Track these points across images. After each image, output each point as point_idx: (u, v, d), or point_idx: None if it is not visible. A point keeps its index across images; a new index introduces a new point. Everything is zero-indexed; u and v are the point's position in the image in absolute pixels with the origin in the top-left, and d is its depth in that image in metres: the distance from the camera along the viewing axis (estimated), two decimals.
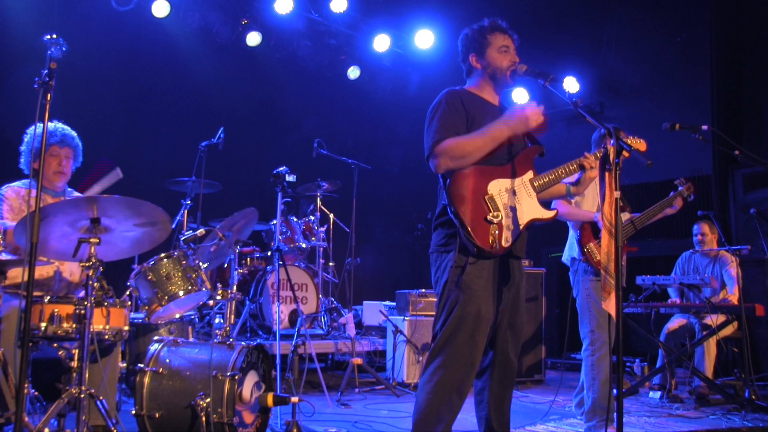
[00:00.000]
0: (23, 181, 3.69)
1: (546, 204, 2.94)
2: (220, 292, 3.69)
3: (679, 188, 4.38)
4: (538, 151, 2.91)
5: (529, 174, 2.87)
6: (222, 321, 3.81)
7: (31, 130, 3.64)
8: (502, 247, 2.69)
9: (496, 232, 2.68)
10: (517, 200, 2.80)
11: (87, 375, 2.82)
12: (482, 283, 2.73)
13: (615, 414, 2.56)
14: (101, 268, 2.92)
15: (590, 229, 4.01)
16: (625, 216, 4.15)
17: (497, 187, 2.76)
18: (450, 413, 2.69)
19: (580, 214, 4.03)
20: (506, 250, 2.72)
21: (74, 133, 3.67)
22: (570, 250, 4.16)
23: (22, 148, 3.66)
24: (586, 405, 3.97)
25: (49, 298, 2.90)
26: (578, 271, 4.05)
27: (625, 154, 2.58)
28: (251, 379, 3.37)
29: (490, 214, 2.69)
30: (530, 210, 2.82)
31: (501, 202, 2.74)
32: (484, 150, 2.73)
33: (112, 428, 2.88)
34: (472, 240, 2.64)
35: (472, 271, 2.70)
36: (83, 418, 2.78)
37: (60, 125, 3.62)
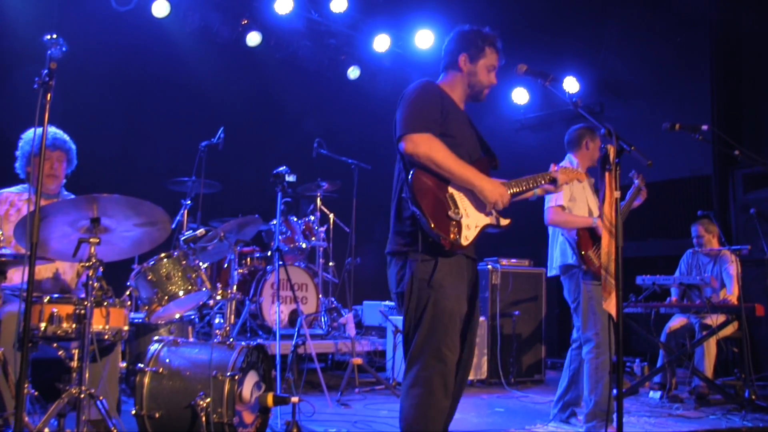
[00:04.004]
0: (17, 186, 3.71)
1: (502, 212, 2.95)
2: (220, 292, 3.69)
3: (635, 182, 4.27)
4: (492, 164, 2.95)
5: None
6: (222, 321, 3.81)
7: (25, 135, 3.68)
8: (461, 245, 2.70)
9: (456, 229, 2.69)
10: (474, 204, 2.81)
11: (87, 375, 2.82)
12: (452, 280, 2.73)
13: (614, 413, 2.57)
14: (101, 268, 2.92)
15: (587, 236, 3.98)
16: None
17: (457, 188, 2.77)
18: (440, 414, 2.70)
19: (577, 221, 4.02)
20: (464, 249, 2.73)
21: (66, 137, 3.68)
22: (563, 257, 4.13)
23: (17, 152, 3.68)
24: (587, 407, 3.98)
25: (48, 298, 2.90)
26: (576, 276, 4.04)
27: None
28: (251, 379, 3.38)
29: (452, 210, 2.70)
30: (486, 216, 2.84)
31: (461, 201, 2.76)
32: (451, 178, 2.73)
33: (112, 428, 2.88)
34: (435, 231, 2.61)
35: (441, 270, 2.70)
36: (83, 418, 2.78)
37: (52, 129, 3.62)
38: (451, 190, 2.74)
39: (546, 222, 4.10)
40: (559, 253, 4.18)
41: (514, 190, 2.93)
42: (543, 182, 3.03)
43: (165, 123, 7.05)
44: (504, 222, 2.90)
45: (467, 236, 2.71)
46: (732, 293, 5.42)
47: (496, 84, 2.99)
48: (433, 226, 2.61)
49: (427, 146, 2.68)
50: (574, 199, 4.07)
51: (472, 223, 2.75)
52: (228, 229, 3.87)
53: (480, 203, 2.80)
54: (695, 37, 7.38)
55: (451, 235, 2.66)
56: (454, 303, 2.72)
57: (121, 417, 3.40)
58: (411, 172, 2.70)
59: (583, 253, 3.94)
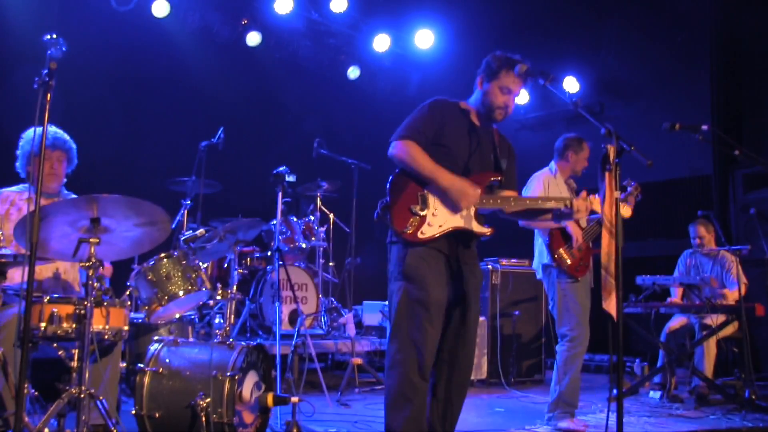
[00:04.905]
0: (18, 185, 3.72)
1: (486, 221, 3.05)
2: (220, 292, 3.69)
3: (628, 189, 4.37)
4: (495, 177, 3.07)
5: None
6: (222, 321, 3.81)
7: (25, 134, 3.68)
8: (416, 237, 2.90)
9: (416, 223, 2.91)
10: (447, 207, 2.95)
11: (87, 375, 2.82)
12: (421, 271, 2.90)
13: (614, 413, 2.57)
14: (101, 268, 2.92)
15: (559, 235, 4.12)
16: (584, 222, 4.19)
17: (436, 191, 2.95)
18: (415, 393, 2.86)
19: (549, 222, 4.08)
20: (421, 243, 2.91)
21: (66, 137, 3.68)
22: (540, 257, 4.24)
23: (18, 152, 3.68)
24: (552, 397, 4.06)
25: (48, 298, 2.90)
26: (551, 275, 4.12)
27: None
28: (251, 379, 3.38)
29: (416, 206, 2.92)
30: (459, 219, 2.97)
31: (433, 201, 2.95)
32: (422, 177, 2.95)
33: (112, 428, 2.88)
34: (389, 221, 2.93)
35: (411, 261, 2.91)
36: (83, 418, 2.77)
37: (52, 129, 3.62)
38: (426, 191, 2.96)
39: (520, 224, 4.16)
40: (537, 254, 4.28)
41: (518, 206, 3.07)
42: (557, 206, 3.12)
43: (165, 123, 7.05)
44: (481, 230, 3.01)
45: (424, 231, 2.91)
46: (735, 290, 5.44)
47: (511, 109, 3.11)
48: (390, 215, 2.91)
49: (403, 150, 2.95)
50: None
51: (437, 222, 2.93)
52: (230, 229, 3.87)
53: (454, 207, 2.94)
54: (695, 37, 7.38)
55: (406, 225, 2.90)
56: (422, 292, 2.89)
57: (121, 417, 3.40)
58: (395, 172, 3.00)
59: (555, 255, 4.06)
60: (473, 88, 3.17)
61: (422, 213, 2.92)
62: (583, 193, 3.15)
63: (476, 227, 3.00)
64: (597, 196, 3.15)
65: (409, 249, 2.93)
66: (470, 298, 3.04)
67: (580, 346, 4.05)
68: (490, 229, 3.03)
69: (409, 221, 2.91)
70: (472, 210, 2.98)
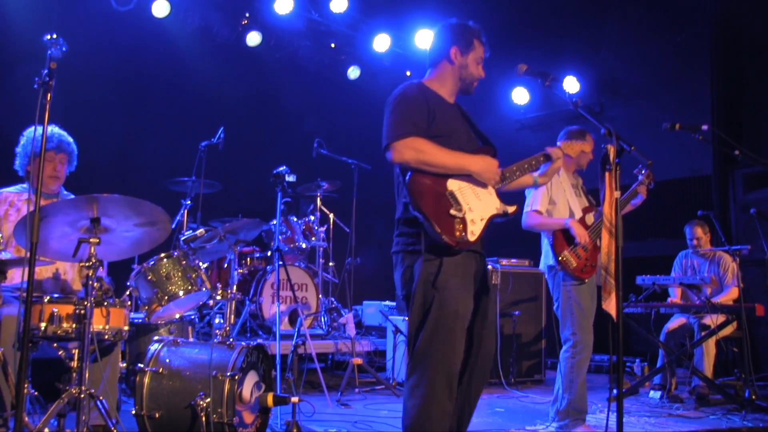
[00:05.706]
0: (17, 186, 3.71)
1: (507, 199, 2.95)
2: (220, 292, 3.69)
3: (639, 177, 4.34)
4: (492, 153, 2.92)
5: None
6: (222, 321, 3.81)
7: (27, 132, 3.65)
8: (468, 241, 2.68)
9: (461, 226, 2.68)
10: (477, 196, 2.79)
11: (87, 375, 2.82)
12: (457, 280, 2.69)
13: (614, 413, 2.57)
14: (101, 268, 2.92)
15: (562, 237, 4.02)
16: (590, 219, 4.15)
17: (456, 184, 2.75)
18: (443, 416, 2.66)
19: (550, 222, 4.07)
20: (472, 245, 2.72)
21: (70, 139, 3.67)
22: (546, 258, 4.19)
23: (18, 150, 3.66)
24: (561, 405, 4.00)
25: (48, 298, 2.90)
26: (557, 276, 4.08)
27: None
28: (251, 379, 3.38)
29: (453, 208, 2.68)
30: (491, 204, 2.83)
31: (462, 197, 2.73)
32: (447, 171, 2.73)
33: (112, 428, 2.88)
34: (439, 234, 2.61)
35: (446, 270, 2.67)
36: (83, 418, 2.77)
37: (57, 130, 3.61)
38: (450, 187, 2.73)
39: (522, 226, 4.13)
40: (544, 254, 4.24)
41: (517, 174, 2.95)
42: (537, 162, 3.03)
43: (165, 123, 7.05)
44: (510, 210, 2.90)
45: (473, 231, 2.70)
46: (727, 293, 5.44)
47: (485, 77, 3.00)
48: (437, 229, 2.61)
49: (412, 150, 2.67)
50: (554, 202, 4.11)
51: (476, 216, 2.74)
52: (230, 229, 3.87)
53: (482, 195, 2.80)
54: (695, 37, 7.38)
55: (456, 233, 2.65)
56: (459, 304, 2.68)
57: (121, 417, 3.40)
58: (408, 176, 2.70)
59: (560, 257, 3.97)
60: (434, 60, 3.01)
61: (461, 214, 2.68)
62: (549, 148, 3.10)
63: (507, 208, 2.88)
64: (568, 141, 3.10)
65: (444, 258, 2.66)
66: (490, 296, 2.90)
67: (585, 350, 3.96)
68: (515, 206, 2.93)
69: (455, 227, 2.65)
70: (493, 192, 2.86)
